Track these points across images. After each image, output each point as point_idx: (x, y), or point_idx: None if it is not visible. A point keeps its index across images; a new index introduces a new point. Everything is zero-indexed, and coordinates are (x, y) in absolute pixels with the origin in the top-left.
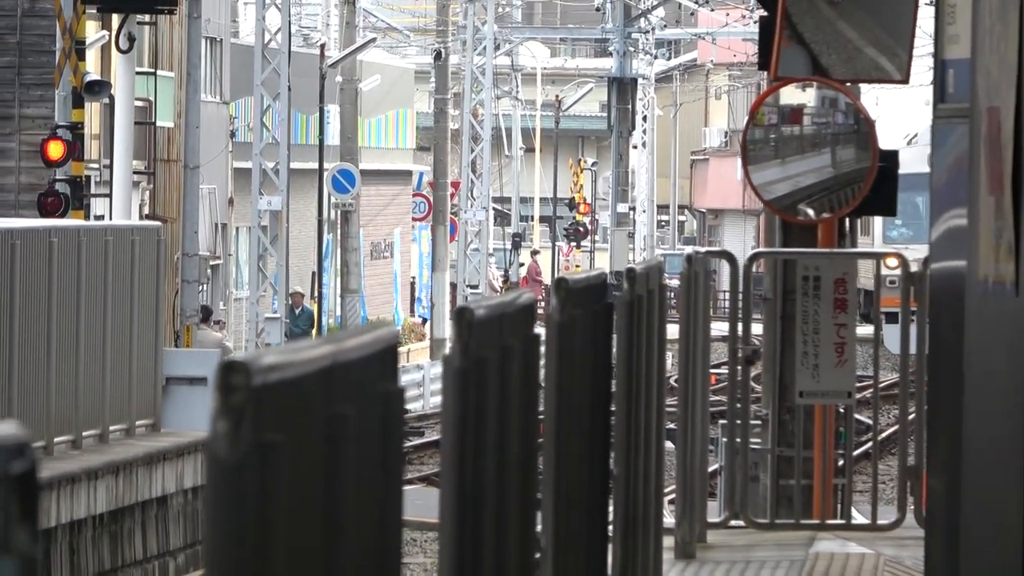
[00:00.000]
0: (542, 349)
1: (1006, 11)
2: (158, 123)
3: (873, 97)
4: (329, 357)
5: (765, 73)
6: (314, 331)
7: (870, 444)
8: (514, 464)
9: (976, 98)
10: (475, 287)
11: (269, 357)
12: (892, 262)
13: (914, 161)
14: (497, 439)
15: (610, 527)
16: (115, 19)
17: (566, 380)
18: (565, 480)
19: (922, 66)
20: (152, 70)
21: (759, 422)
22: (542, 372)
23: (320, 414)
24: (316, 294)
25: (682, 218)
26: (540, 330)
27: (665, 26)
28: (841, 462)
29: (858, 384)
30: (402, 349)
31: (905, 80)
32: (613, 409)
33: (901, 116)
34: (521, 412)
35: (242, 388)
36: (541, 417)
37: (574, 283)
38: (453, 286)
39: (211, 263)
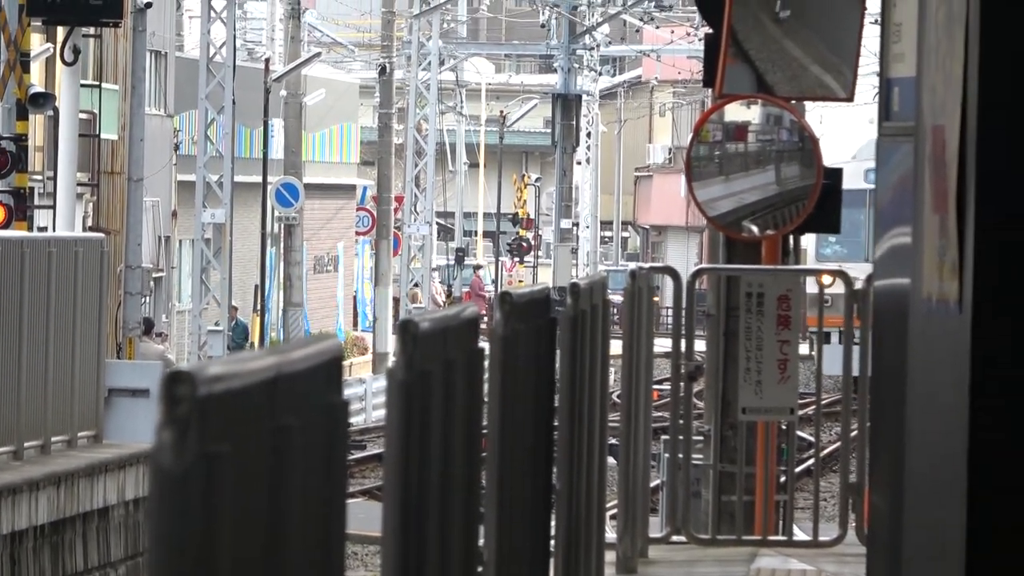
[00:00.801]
0: (486, 363)
1: (951, 29)
2: (102, 135)
3: (818, 115)
4: (274, 368)
5: (710, 90)
6: (248, 344)
7: (812, 461)
8: (457, 478)
9: (921, 116)
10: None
11: (214, 368)
12: (828, 280)
13: (850, 177)
14: (441, 453)
15: (552, 541)
16: (60, 31)
17: (509, 394)
18: (508, 494)
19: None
20: (97, 83)
21: (701, 438)
22: (486, 386)
23: (265, 425)
24: (259, 307)
25: (626, 234)
26: (484, 344)
27: (610, 43)
28: (783, 478)
29: (801, 401)
30: (344, 363)
31: (850, 98)
32: (556, 424)
33: (846, 134)
34: (465, 426)
35: (187, 399)
36: (484, 431)
37: (518, 297)
38: (396, 300)
39: (154, 275)
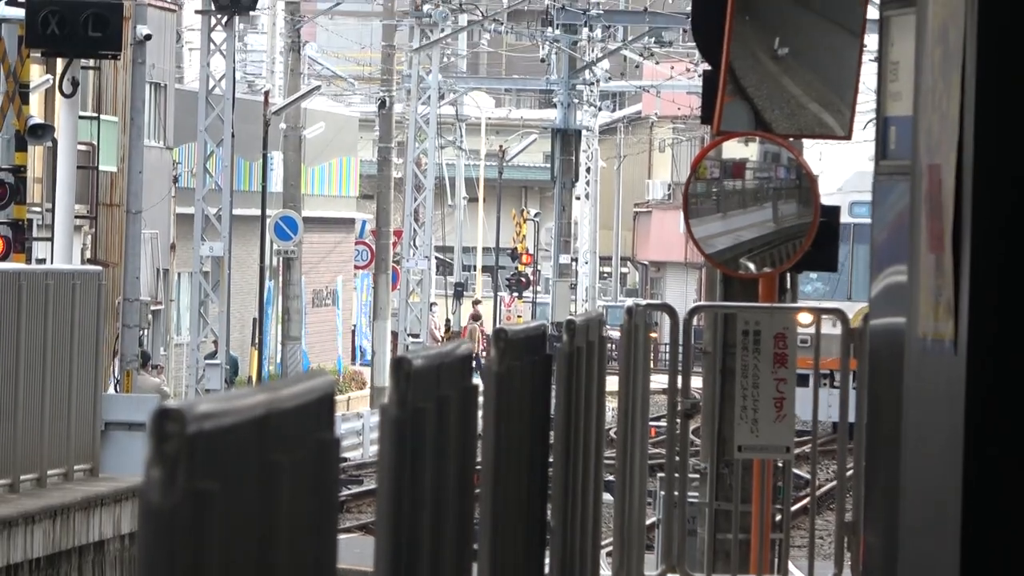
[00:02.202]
0: (480, 399)
1: (948, 69)
2: (101, 167)
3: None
4: (264, 405)
5: (708, 127)
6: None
7: (808, 499)
8: (450, 514)
9: (917, 155)
10: (416, 336)
11: (204, 405)
12: (805, 318)
13: None
14: (434, 489)
15: None
16: (59, 63)
17: (504, 431)
18: (502, 531)
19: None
20: (96, 114)
21: (697, 475)
22: (480, 422)
23: (255, 462)
24: (257, 341)
25: (624, 270)
26: (478, 380)
27: (610, 78)
28: (779, 517)
29: (797, 439)
30: (342, 397)
31: (848, 136)
32: (551, 460)
33: (844, 172)
34: (458, 462)
35: (176, 435)
36: (479, 467)
37: (513, 334)
38: (394, 334)
39: (152, 308)
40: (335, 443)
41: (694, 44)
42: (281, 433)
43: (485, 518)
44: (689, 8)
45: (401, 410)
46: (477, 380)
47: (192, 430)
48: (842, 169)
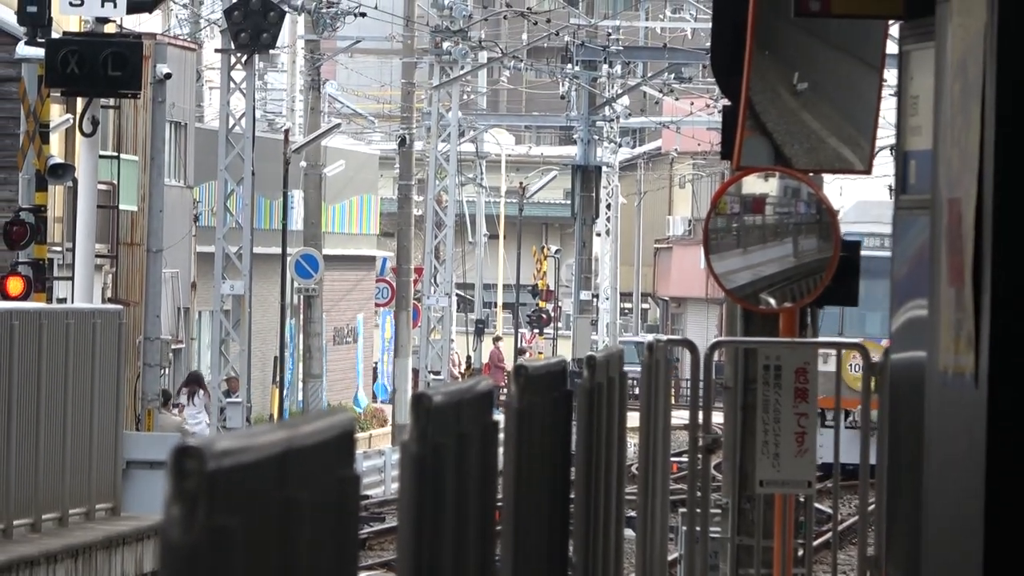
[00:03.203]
0: (501, 436)
1: (967, 103)
2: (121, 206)
3: (837, 187)
4: (284, 443)
5: (728, 162)
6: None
7: (830, 533)
8: (471, 551)
9: (937, 189)
10: (438, 373)
11: (223, 442)
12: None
13: None
14: (454, 525)
15: None
16: (79, 103)
17: (525, 467)
18: (523, 567)
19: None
20: (116, 154)
21: (719, 511)
22: (501, 458)
23: (274, 499)
24: (278, 379)
25: (645, 306)
26: (499, 417)
27: (630, 115)
28: (801, 552)
29: (819, 473)
30: (364, 435)
31: (868, 170)
32: (572, 496)
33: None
34: (479, 499)
35: (196, 473)
36: (500, 504)
37: (533, 370)
38: (415, 372)
39: (173, 347)
40: (355, 480)
41: (713, 80)
42: (301, 470)
43: (506, 555)
44: (708, 44)
45: (421, 446)
46: (498, 416)
47: (211, 467)
48: (838, 200)
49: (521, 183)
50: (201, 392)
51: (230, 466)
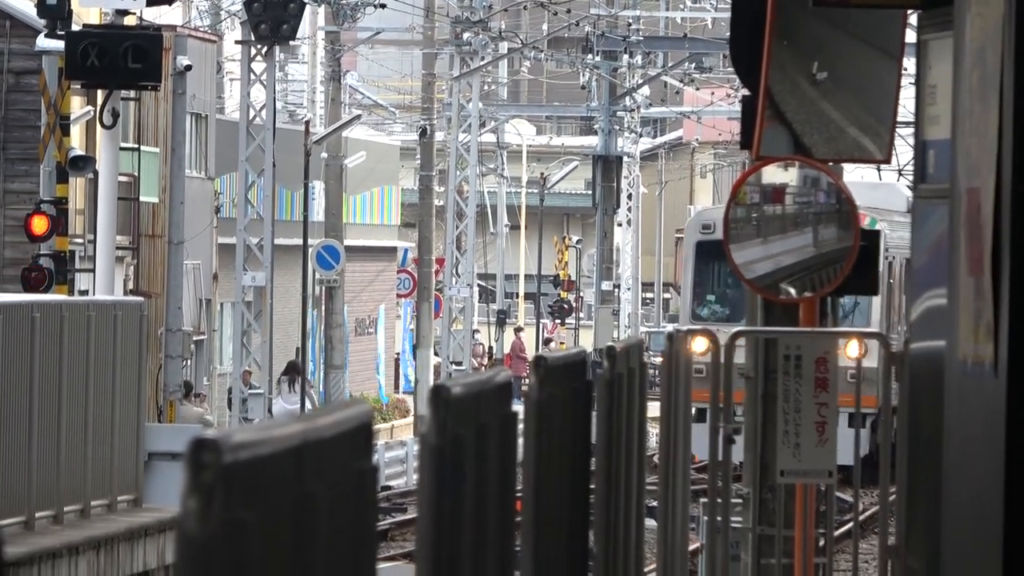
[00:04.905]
0: (520, 426)
1: (986, 92)
2: (142, 198)
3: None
4: (300, 435)
5: (749, 152)
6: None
7: (851, 523)
8: (491, 542)
9: (956, 179)
10: (460, 363)
11: (240, 435)
12: (700, 345)
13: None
14: (473, 516)
15: None
16: (99, 95)
17: (544, 458)
18: (543, 558)
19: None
20: (137, 146)
21: (740, 500)
22: (522, 449)
23: (291, 492)
24: (301, 370)
25: (667, 295)
26: (519, 408)
27: (650, 104)
28: (822, 541)
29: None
30: (386, 425)
31: (887, 160)
32: (593, 486)
33: None
34: (498, 489)
35: (212, 466)
36: (520, 495)
37: (553, 361)
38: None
39: (195, 339)
40: (373, 472)
41: (734, 69)
42: (318, 462)
43: (526, 545)
44: (728, 33)
45: (440, 438)
46: (518, 407)
47: (228, 460)
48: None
49: (542, 173)
50: (299, 380)
51: (247, 459)
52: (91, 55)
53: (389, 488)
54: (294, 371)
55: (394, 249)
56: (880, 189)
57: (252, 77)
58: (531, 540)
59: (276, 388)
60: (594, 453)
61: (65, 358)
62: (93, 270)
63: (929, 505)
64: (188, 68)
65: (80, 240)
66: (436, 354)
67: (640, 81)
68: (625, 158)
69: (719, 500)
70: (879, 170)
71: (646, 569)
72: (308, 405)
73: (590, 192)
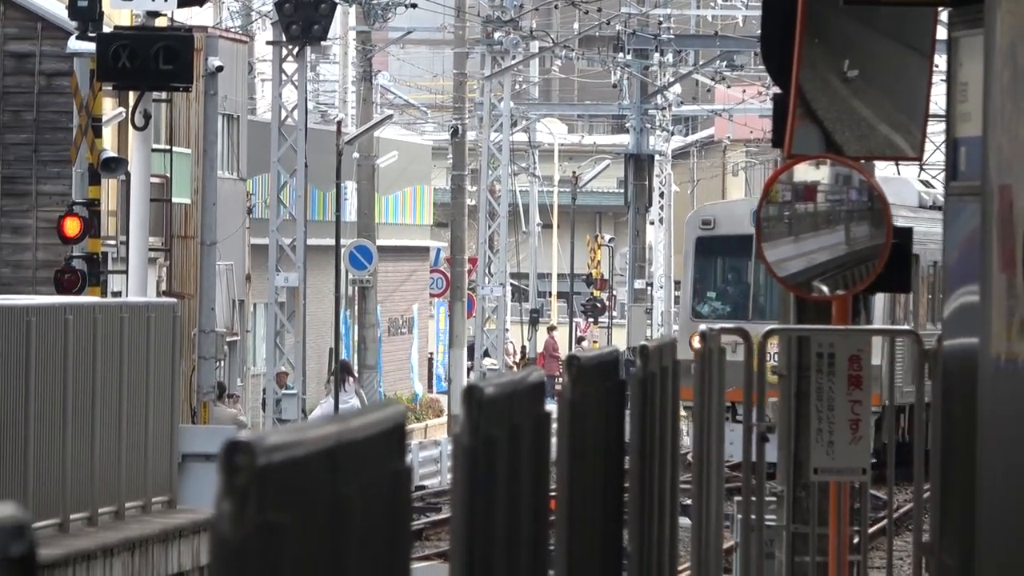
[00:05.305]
0: (554, 426)
1: (1017, 90)
2: (175, 200)
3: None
4: (334, 437)
5: (780, 150)
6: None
7: (885, 520)
8: (524, 542)
9: (988, 176)
10: (493, 363)
11: (274, 437)
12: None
13: (732, 221)
14: (507, 517)
15: None
16: (131, 96)
17: (578, 457)
18: (577, 558)
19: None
20: (168, 147)
21: (774, 498)
22: (555, 449)
23: (325, 494)
24: (334, 371)
25: None
26: (552, 407)
27: (682, 103)
28: (856, 539)
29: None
30: (420, 425)
31: (919, 157)
32: (626, 485)
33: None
34: (531, 490)
35: (246, 468)
36: (553, 494)
37: (586, 361)
38: (470, 362)
39: (228, 339)
40: (406, 473)
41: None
42: (352, 464)
43: (560, 544)
44: (759, 32)
45: (473, 438)
46: (551, 406)
47: (262, 462)
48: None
49: (574, 172)
50: (351, 379)
51: (280, 461)
52: (122, 57)
53: (423, 488)
54: (346, 370)
55: (427, 249)
56: (890, 184)
57: (283, 78)
58: (566, 539)
59: (327, 387)
60: (627, 452)
61: (98, 360)
62: (126, 272)
63: (963, 502)
64: (219, 69)
65: (113, 242)
66: (487, 354)
67: (671, 79)
68: (657, 156)
69: (753, 498)
70: (896, 164)
71: (680, 567)
72: (356, 405)
73: (622, 191)
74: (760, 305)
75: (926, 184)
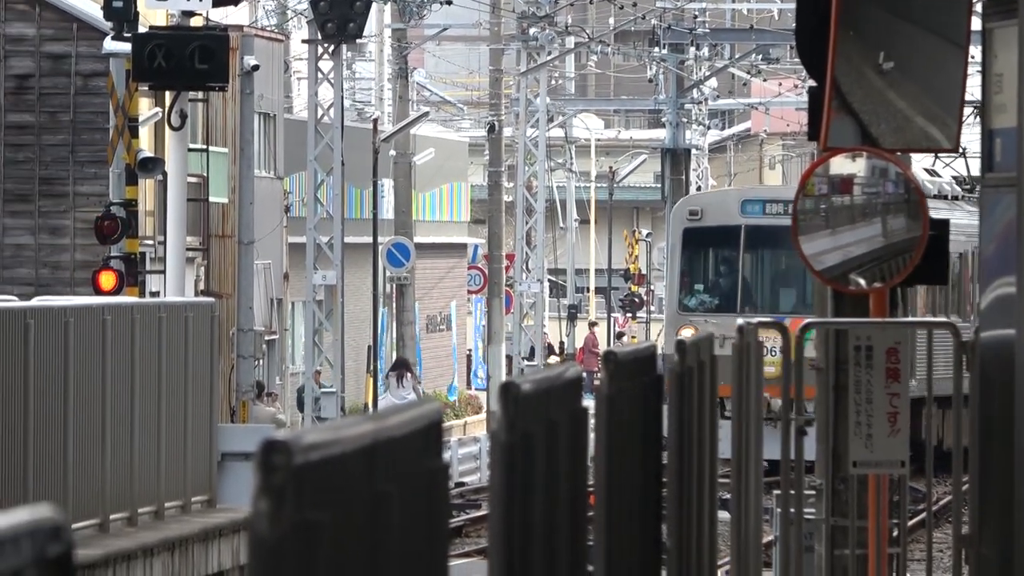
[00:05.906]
0: (591, 422)
1: None
2: (212, 199)
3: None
4: (371, 435)
5: (817, 143)
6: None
7: (924, 513)
8: (563, 538)
9: (1023, 167)
10: (531, 359)
11: (311, 435)
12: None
13: (720, 211)
14: (545, 513)
15: None
16: (167, 96)
17: (616, 452)
18: (616, 553)
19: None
20: (205, 146)
21: (813, 492)
22: (592, 444)
23: (362, 492)
24: (372, 368)
25: None
26: (589, 403)
27: (718, 96)
28: (895, 531)
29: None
30: (459, 421)
31: (955, 149)
32: (665, 480)
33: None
34: (569, 485)
35: (283, 467)
36: (591, 489)
37: (623, 356)
38: (509, 358)
39: (267, 338)
40: (443, 471)
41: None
42: (389, 462)
43: (599, 539)
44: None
45: (510, 435)
46: (589, 402)
47: (299, 461)
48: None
49: (611, 167)
50: (408, 375)
51: (318, 460)
52: (158, 57)
53: (463, 484)
54: (403, 367)
55: (464, 245)
56: None
57: (319, 76)
58: (604, 534)
59: (384, 383)
60: (665, 447)
61: (137, 360)
62: (164, 271)
63: (1002, 493)
64: (255, 68)
65: (150, 242)
66: (532, 355)
67: (707, 73)
68: (693, 150)
69: (792, 492)
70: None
71: (720, 561)
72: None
73: (659, 185)
74: (750, 298)
75: (930, 172)
